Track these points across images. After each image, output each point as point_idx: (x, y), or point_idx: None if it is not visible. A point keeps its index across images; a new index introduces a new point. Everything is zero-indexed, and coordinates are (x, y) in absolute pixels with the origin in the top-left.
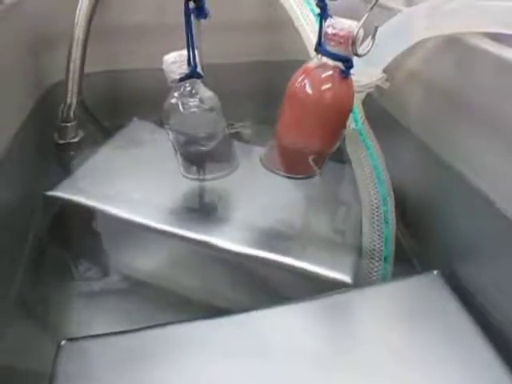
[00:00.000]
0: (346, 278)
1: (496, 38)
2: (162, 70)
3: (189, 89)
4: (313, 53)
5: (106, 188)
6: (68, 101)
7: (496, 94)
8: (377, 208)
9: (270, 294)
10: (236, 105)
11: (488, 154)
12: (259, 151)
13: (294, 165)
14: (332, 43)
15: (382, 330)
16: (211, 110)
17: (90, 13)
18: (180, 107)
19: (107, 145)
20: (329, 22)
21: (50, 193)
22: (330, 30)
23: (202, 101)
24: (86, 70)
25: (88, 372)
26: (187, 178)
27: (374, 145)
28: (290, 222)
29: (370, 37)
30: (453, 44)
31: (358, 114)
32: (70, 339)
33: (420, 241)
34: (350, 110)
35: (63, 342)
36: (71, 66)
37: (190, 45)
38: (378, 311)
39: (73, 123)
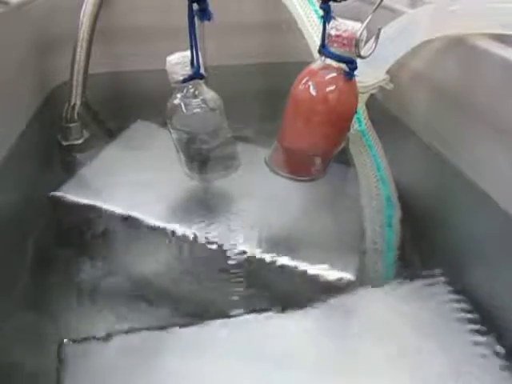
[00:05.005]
0: (351, 278)
1: (500, 39)
2: (165, 71)
3: (192, 90)
4: (317, 54)
5: (110, 188)
6: (72, 102)
7: (500, 94)
8: (380, 209)
9: (273, 294)
10: (239, 106)
11: (492, 155)
12: (263, 152)
13: (298, 166)
14: (335, 45)
15: (384, 333)
16: (214, 110)
17: (95, 14)
18: (183, 108)
19: (111, 145)
20: (332, 23)
21: (55, 193)
22: (333, 32)
23: (204, 101)
24: (90, 71)
25: (93, 372)
26: (190, 178)
27: (377, 146)
28: (294, 223)
29: (374, 38)
30: (457, 45)
31: (361, 114)
32: (73, 338)
33: (423, 242)
34: (355, 112)
35: (65, 342)
36: (75, 67)
37: (194, 46)
38: (380, 313)
39: (77, 124)
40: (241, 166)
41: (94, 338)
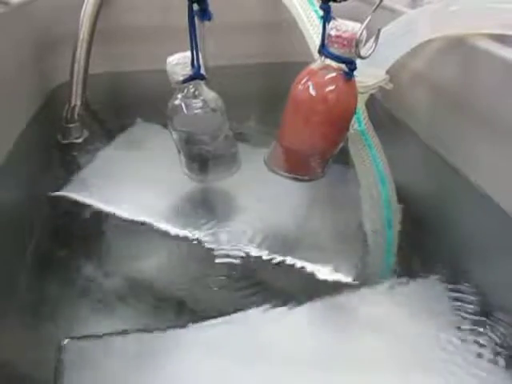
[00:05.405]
0: (350, 277)
1: (500, 39)
2: (165, 71)
3: (192, 90)
4: (317, 54)
5: (110, 189)
6: (72, 102)
7: (500, 94)
8: (380, 209)
9: (273, 294)
10: (240, 106)
11: (492, 155)
12: (263, 152)
13: (297, 166)
14: (335, 45)
15: (383, 332)
16: (215, 111)
17: (95, 14)
18: (183, 108)
19: (111, 146)
20: (332, 24)
21: (54, 193)
22: (333, 32)
23: (205, 102)
24: (91, 71)
25: (92, 371)
26: (190, 178)
27: (377, 146)
28: (293, 224)
29: (373, 39)
30: (457, 45)
31: (361, 114)
32: (72, 338)
33: (423, 242)
34: (354, 112)
35: (65, 342)
36: (75, 67)
37: (194, 46)
38: (379, 313)
39: (77, 124)
40: (241, 167)
41: (93, 338)
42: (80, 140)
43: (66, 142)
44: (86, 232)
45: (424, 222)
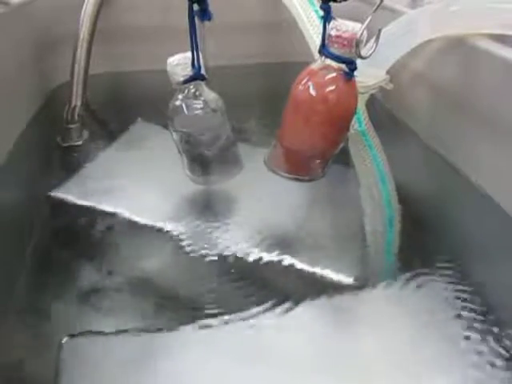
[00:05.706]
0: (351, 278)
1: (500, 39)
2: (166, 71)
3: (193, 91)
4: (317, 55)
5: (111, 189)
6: (73, 102)
7: (500, 94)
8: (380, 209)
9: (274, 295)
10: (240, 106)
11: (492, 155)
12: (263, 152)
13: (297, 166)
14: (336, 45)
15: (384, 333)
16: (215, 111)
17: (95, 14)
18: (184, 109)
19: (111, 146)
20: (332, 24)
21: (54, 193)
22: (333, 32)
23: (206, 103)
24: (91, 71)
25: (92, 369)
26: (192, 180)
27: (377, 146)
28: (294, 224)
29: (374, 39)
30: (457, 45)
31: (361, 115)
32: (72, 336)
33: (424, 242)
34: (354, 112)
35: (65, 340)
36: (76, 67)
37: (194, 47)
38: (380, 313)
39: (77, 125)
40: (243, 168)
41: (92, 336)
42: (80, 140)
43: (66, 142)
44: (85, 232)
45: (424, 221)
